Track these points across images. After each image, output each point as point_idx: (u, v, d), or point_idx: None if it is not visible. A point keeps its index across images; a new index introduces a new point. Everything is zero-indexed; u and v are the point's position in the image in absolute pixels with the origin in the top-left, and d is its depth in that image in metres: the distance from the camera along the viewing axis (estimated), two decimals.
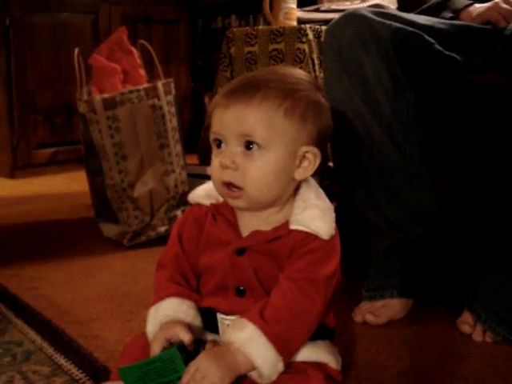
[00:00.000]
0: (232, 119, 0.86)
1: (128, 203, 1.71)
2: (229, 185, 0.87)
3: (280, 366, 0.82)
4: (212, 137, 0.90)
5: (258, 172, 0.86)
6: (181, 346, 0.82)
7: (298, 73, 0.94)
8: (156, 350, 0.83)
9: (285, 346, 0.83)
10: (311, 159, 0.89)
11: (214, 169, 0.89)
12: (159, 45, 2.92)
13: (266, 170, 0.86)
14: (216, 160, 0.89)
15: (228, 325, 0.90)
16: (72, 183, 2.45)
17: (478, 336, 1.19)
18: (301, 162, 0.89)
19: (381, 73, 1.21)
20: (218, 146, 0.89)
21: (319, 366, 0.90)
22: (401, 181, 1.26)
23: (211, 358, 0.79)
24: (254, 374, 0.81)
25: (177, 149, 1.76)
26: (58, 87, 2.62)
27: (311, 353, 0.90)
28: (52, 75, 2.62)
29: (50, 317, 1.27)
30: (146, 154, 1.70)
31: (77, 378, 1.04)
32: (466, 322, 1.21)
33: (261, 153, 0.85)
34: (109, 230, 1.77)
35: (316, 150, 0.89)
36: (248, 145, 0.85)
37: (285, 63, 1.96)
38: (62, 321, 1.26)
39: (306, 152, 0.88)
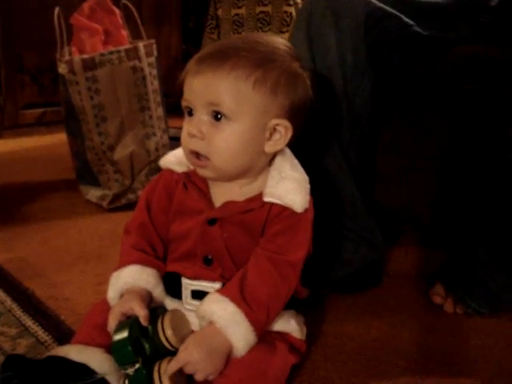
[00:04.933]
0: (200, 87, 0.84)
1: (108, 166, 1.69)
2: (196, 154, 0.86)
3: (253, 344, 0.82)
4: (183, 104, 0.88)
5: (223, 143, 0.84)
6: (135, 321, 0.83)
7: (276, 41, 0.90)
8: (112, 323, 0.84)
9: (262, 329, 0.84)
10: (282, 132, 0.87)
11: (182, 137, 0.88)
12: (150, 5, 2.86)
13: (233, 141, 0.84)
14: (185, 128, 0.87)
15: (192, 290, 0.90)
16: (58, 144, 2.41)
17: (448, 307, 1.19)
18: (271, 135, 0.87)
19: (344, 51, 1.16)
20: (189, 113, 0.87)
21: (282, 335, 0.90)
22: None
23: (199, 349, 0.79)
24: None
25: (158, 112, 1.74)
26: (45, 48, 2.56)
27: (279, 323, 0.90)
28: (39, 35, 2.56)
29: (22, 278, 1.27)
30: (126, 117, 1.67)
31: (42, 340, 1.03)
32: (438, 294, 1.21)
33: (228, 123, 0.84)
34: (89, 192, 1.75)
35: (287, 123, 0.86)
36: (215, 115, 0.84)
37: (272, 26, 1.92)
38: (34, 282, 1.25)
39: (277, 125, 0.86)
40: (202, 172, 0.88)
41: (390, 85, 1.32)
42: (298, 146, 0.93)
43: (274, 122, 0.86)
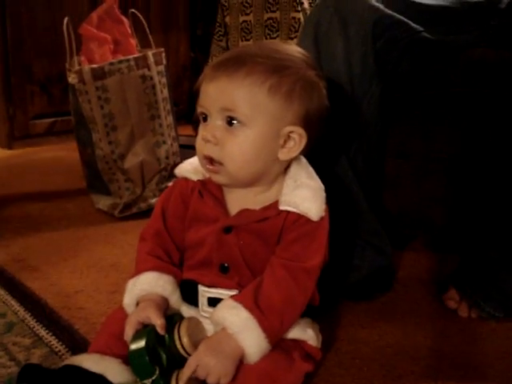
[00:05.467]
0: (215, 92, 0.84)
1: (119, 175, 1.70)
2: (210, 159, 0.86)
3: (267, 351, 0.82)
4: (198, 110, 0.88)
5: (237, 148, 0.84)
6: (152, 331, 0.83)
7: (292, 49, 0.90)
8: (129, 333, 0.84)
9: (276, 336, 0.83)
10: (296, 140, 0.87)
11: (197, 142, 0.88)
12: (158, 13, 2.88)
13: (246, 147, 0.84)
14: (200, 133, 0.87)
15: (208, 297, 0.90)
16: (69, 154, 2.43)
17: (463, 312, 1.18)
18: (285, 142, 0.86)
19: (352, 58, 1.15)
20: (204, 119, 0.87)
21: (298, 343, 0.90)
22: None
23: (210, 352, 0.79)
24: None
25: (168, 120, 1.74)
26: (55, 58, 2.59)
27: (291, 330, 0.89)
28: (48, 46, 2.58)
29: (35, 288, 1.27)
30: (136, 125, 1.68)
31: (56, 349, 1.04)
32: (452, 298, 1.20)
33: (242, 129, 0.83)
34: (100, 201, 1.76)
35: (301, 131, 0.86)
36: (230, 120, 0.84)
37: (280, 32, 1.92)
38: (47, 292, 1.26)
39: (291, 132, 0.86)
40: (215, 178, 0.88)
41: (399, 89, 1.32)
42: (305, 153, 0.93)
43: (289, 129, 0.86)
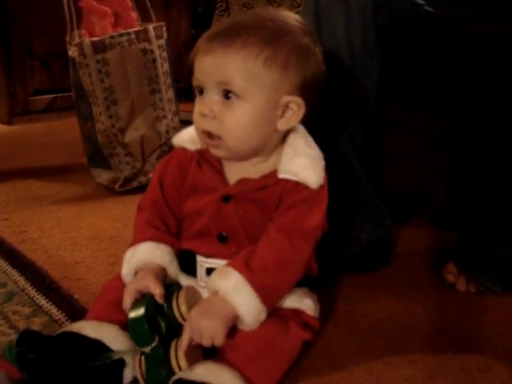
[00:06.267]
0: (210, 66, 0.84)
1: (119, 149, 1.69)
2: (209, 134, 0.85)
3: (263, 315, 0.82)
4: (194, 83, 0.88)
5: (235, 122, 0.83)
6: (151, 299, 0.83)
7: (286, 16, 0.89)
8: (128, 301, 0.84)
9: (269, 296, 0.83)
10: (295, 109, 0.86)
11: (194, 116, 0.87)
12: None
13: (245, 120, 0.83)
14: (196, 107, 0.87)
15: (207, 268, 0.90)
16: (69, 130, 2.42)
17: (461, 286, 1.18)
18: (284, 112, 0.86)
19: (352, 31, 1.15)
20: (200, 92, 0.87)
21: (296, 312, 0.90)
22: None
23: (200, 314, 0.80)
24: (238, 320, 0.81)
25: (168, 94, 1.74)
26: (55, 33, 2.56)
27: (288, 299, 0.90)
28: (49, 21, 2.56)
29: (36, 259, 1.28)
30: (136, 99, 1.67)
31: (56, 318, 1.04)
32: (450, 272, 1.20)
33: (239, 102, 0.83)
34: (100, 175, 1.76)
35: (299, 100, 0.85)
36: (226, 93, 0.83)
37: (282, 7, 1.90)
38: (47, 263, 1.26)
39: (289, 102, 0.85)
40: (215, 152, 0.88)
41: (401, 64, 1.31)
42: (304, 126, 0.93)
43: (287, 98, 0.85)
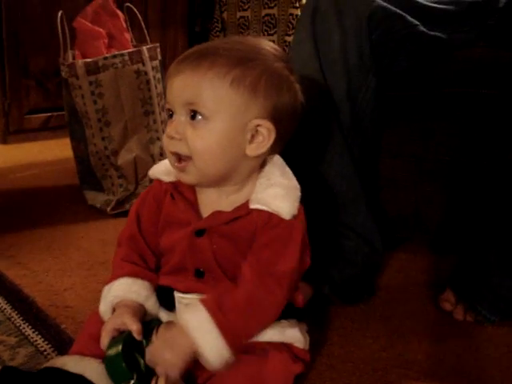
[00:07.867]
0: (178, 87, 0.82)
1: (112, 171, 1.67)
2: (177, 156, 0.83)
3: (227, 355, 0.78)
4: (166, 107, 0.86)
5: (201, 142, 0.81)
6: (128, 336, 0.81)
7: (260, 42, 0.87)
8: (105, 340, 0.81)
9: (236, 337, 0.79)
10: (265, 134, 0.82)
11: (163, 140, 0.85)
12: (156, 8, 2.85)
13: (211, 141, 0.81)
14: (166, 130, 0.85)
15: (186, 304, 0.87)
16: (64, 149, 2.40)
17: (458, 315, 1.16)
18: (253, 137, 0.83)
19: (348, 48, 1.14)
20: (170, 116, 0.85)
21: (285, 346, 0.87)
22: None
23: (164, 344, 0.77)
24: (201, 359, 0.78)
25: (162, 116, 1.72)
26: (51, 52, 2.55)
27: (275, 333, 0.87)
28: (44, 40, 2.55)
29: (24, 285, 1.25)
30: (130, 121, 1.65)
31: (42, 349, 1.01)
32: (448, 300, 1.18)
33: (205, 123, 0.80)
34: (93, 197, 1.74)
35: (269, 125, 0.82)
36: (193, 114, 0.81)
37: (277, 29, 1.90)
38: (35, 290, 1.23)
39: (258, 125, 0.82)
40: (183, 178, 0.85)
41: (396, 88, 1.30)
42: (300, 146, 0.91)
43: (255, 122, 0.82)
